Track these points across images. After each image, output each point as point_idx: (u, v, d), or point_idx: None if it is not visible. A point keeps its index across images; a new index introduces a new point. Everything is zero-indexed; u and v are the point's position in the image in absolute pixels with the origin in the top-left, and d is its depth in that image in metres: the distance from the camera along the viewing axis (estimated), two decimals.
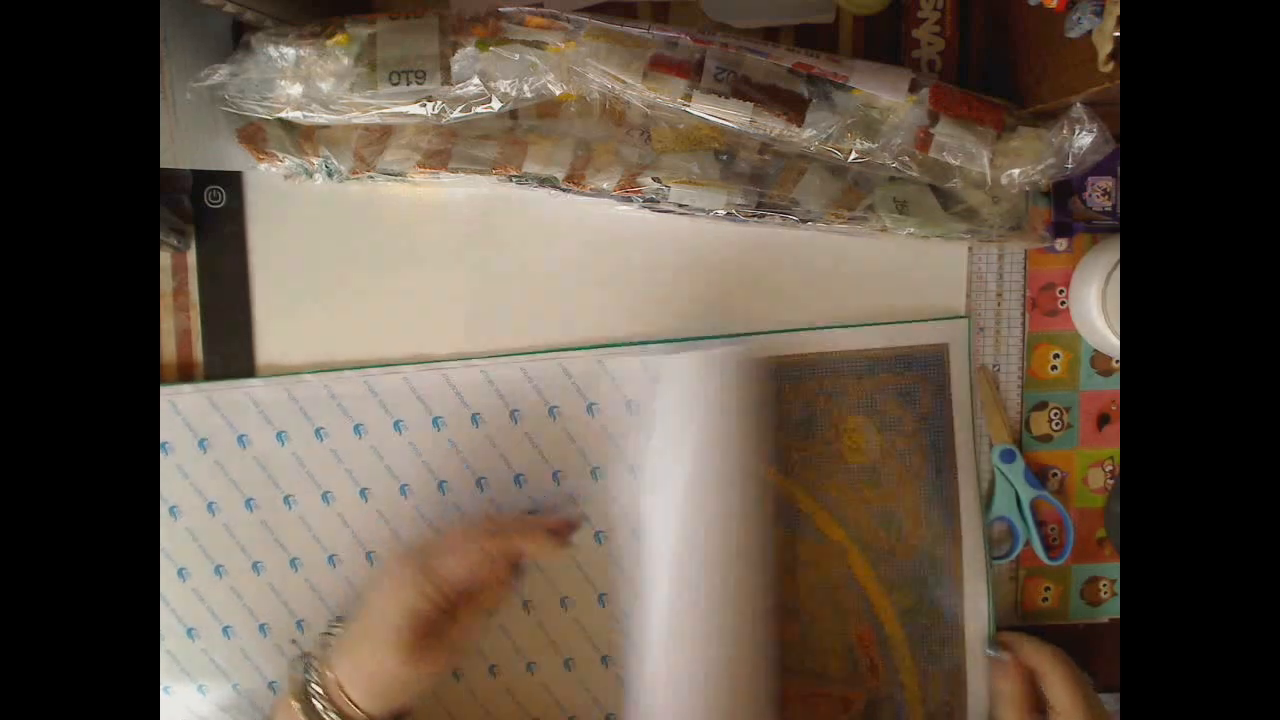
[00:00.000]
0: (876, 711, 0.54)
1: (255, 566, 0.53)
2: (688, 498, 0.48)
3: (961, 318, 0.53)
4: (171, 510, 0.53)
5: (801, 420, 0.53)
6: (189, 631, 0.53)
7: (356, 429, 0.52)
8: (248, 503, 0.53)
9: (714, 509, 0.47)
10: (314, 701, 0.44)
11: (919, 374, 0.53)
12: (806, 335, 0.53)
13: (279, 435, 0.52)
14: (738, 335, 0.52)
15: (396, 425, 0.52)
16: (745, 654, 0.47)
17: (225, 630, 0.53)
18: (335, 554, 0.53)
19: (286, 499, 0.53)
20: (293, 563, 0.53)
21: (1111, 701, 0.53)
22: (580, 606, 0.53)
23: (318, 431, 0.52)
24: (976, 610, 0.54)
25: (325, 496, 0.53)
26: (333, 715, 0.44)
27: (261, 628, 0.53)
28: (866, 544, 0.54)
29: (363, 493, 0.53)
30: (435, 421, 0.52)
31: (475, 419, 0.52)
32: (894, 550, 0.54)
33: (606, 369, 0.52)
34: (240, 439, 0.52)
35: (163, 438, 0.52)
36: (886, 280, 0.53)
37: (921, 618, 0.54)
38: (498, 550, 0.45)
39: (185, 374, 0.53)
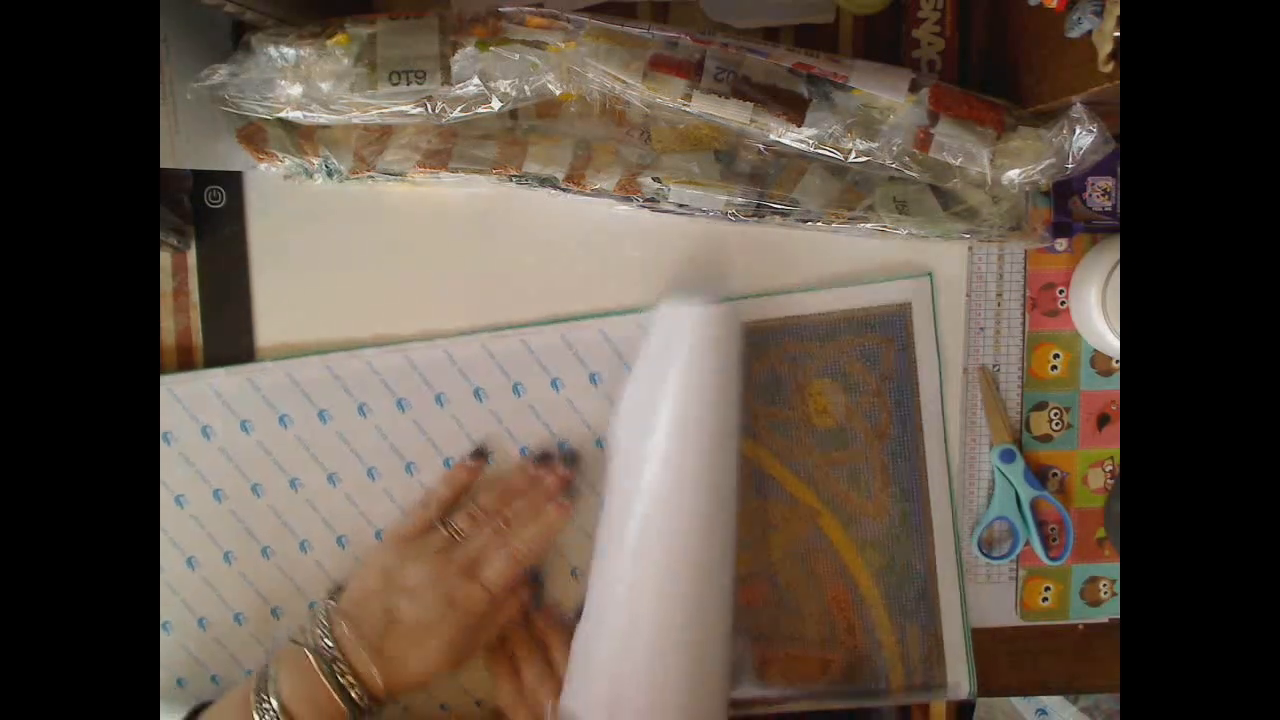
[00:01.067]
0: (856, 670, 0.54)
1: (264, 551, 0.53)
2: (673, 449, 0.47)
3: (923, 275, 0.53)
4: (178, 499, 0.53)
5: (767, 385, 0.53)
6: (200, 622, 0.53)
7: (360, 409, 0.52)
8: (254, 488, 0.53)
9: (695, 463, 0.47)
10: (328, 663, 0.46)
11: (883, 334, 0.53)
12: (770, 300, 0.52)
13: (282, 419, 0.52)
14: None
15: (400, 404, 0.52)
16: (713, 617, 0.47)
17: (237, 617, 0.53)
18: (344, 535, 0.53)
19: (292, 482, 0.53)
20: (302, 545, 0.53)
21: (1111, 701, 0.53)
22: (553, 578, 0.54)
23: (321, 414, 0.52)
24: (947, 560, 0.54)
25: (331, 478, 0.53)
26: (348, 678, 0.45)
27: (274, 611, 0.54)
28: (837, 506, 0.54)
29: (370, 472, 0.53)
30: (438, 399, 0.52)
31: (478, 393, 0.52)
32: (864, 510, 0.54)
33: (568, 342, 0.52)
34: (243, 425, 0.52)
35: (165, 427, 0.52)
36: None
37: (894, 575, 0.54)
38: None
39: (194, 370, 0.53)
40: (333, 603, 0.49)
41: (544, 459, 0.52)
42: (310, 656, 0.46)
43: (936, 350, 0.53)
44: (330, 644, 0.46)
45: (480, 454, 0.53)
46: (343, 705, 0.45)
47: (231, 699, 0.47)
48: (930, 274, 0.53)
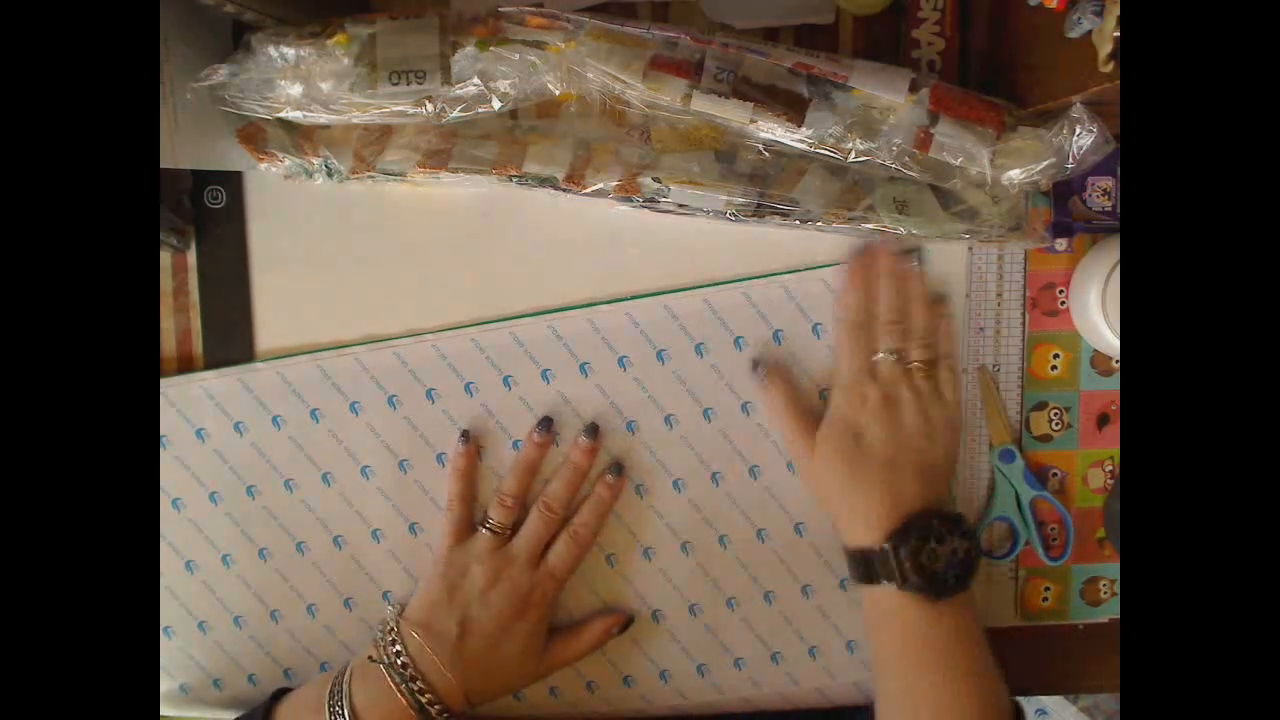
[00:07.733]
0: None
1: (261, 553, 0.53)
2: None
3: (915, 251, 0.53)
4: (175, 503, 0.53)
5: None
6: (200, 625, 0.53)
7: (352, 407, 0.52)
8: (249, 490, 0.53)
9: None
10: (404, 679, 0.46)
11: None
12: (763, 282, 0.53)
13: (274, 420, 0.52)
14: (702, 286, 0.52)
15: (390, 400, 0.52)
16: None
17: (236, 620, 0.53)
18: (340, 535, 0.53)
19: (287, 483, 0.53)
20: (299, 547, 0.53)
21: (1111, 701, 0.53)
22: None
23: (313, 413, 0.52)
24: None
25: (325, 477, 0.53)
26: (425, 696, 0.45)
27: (273, 615, 0.53)
28: None
29: (364, 470, 0.53)
30: (429, 394, 0.52)
31: (469, 388, 0.52)
32: None
33: (557, 333, 0.52)
34: (237, 426, 0.52)
35: (160, 431, 0.52)
36: None
37: None
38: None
39: (186, 374, 0.53)
40: (402, 618, 0.48)
41: (545, 424, 0.52)
42: (384, 671, 0.45)
43: None
44: (404, 659, 0.46)
45: (467, 438, 0.52)
46: (418, 718, 0.45)
47: (304, 699, 0.47)
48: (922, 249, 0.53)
